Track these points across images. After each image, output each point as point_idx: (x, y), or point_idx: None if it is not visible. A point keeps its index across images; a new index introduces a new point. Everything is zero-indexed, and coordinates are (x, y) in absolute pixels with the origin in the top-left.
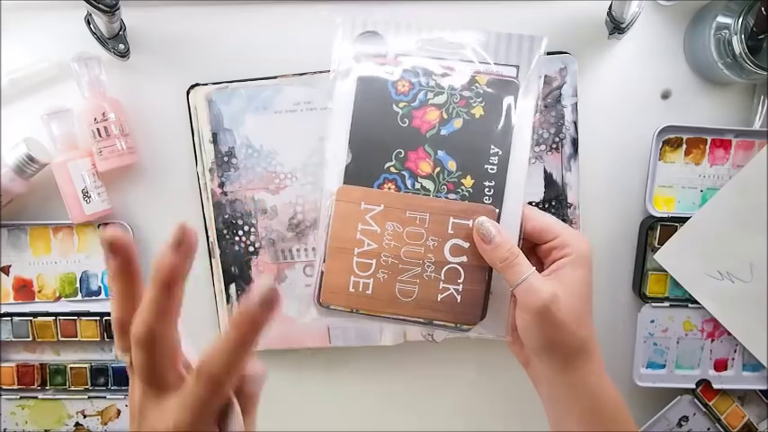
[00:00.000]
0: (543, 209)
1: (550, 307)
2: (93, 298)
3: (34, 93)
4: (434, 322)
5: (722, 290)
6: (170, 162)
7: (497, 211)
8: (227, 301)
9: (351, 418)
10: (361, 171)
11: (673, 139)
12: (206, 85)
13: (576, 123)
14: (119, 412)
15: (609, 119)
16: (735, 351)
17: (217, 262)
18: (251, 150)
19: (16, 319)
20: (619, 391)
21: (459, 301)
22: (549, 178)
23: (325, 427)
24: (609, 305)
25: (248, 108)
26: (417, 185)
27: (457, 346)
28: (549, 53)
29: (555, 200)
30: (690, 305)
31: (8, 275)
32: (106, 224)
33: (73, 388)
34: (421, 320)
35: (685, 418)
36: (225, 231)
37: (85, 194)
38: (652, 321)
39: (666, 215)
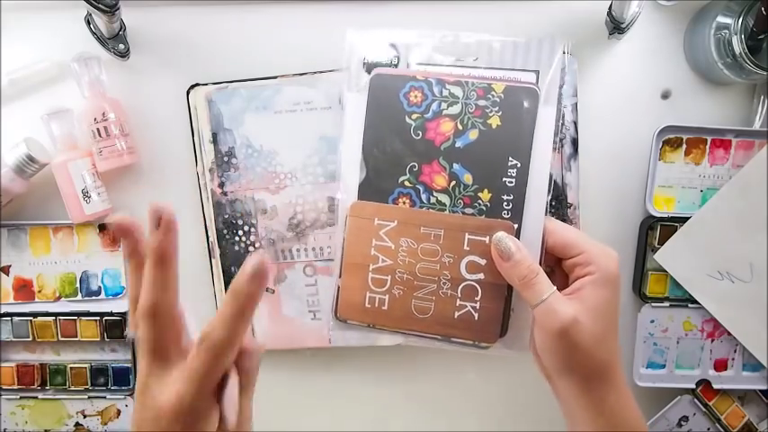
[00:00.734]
0: None
1: (569, 330)
2: (93, 298)
3: (34, 93)
4: (452, 339)
5: (722, 290)
6: (170, 162)
7: (516, 226)
8: None
9: (351, 418)
10: (376, 186)
11: (673, 139)
12: (206, 85)
13: (576, 123)
14: (119, 412)
15: (609, 119)
16: (735, 351)
17: (217, 262)
18: (251, 150)
19: (16, 319)
20: (643, 420)
21: (476, 318)
22: (548, 178)
23: (325, 427)
24: None
25: (248, 108)
26: (433, 200)
27: None
28: None
29: (555, 200)
30: (690, 305)
31: (8, 275)
32: (106, 224)
33: (73, 388)
34: (438, 337)
35: (685, 418)
36: (225, 231)
37: (85, 194)
38: (652, 321)
39: (666, 215)
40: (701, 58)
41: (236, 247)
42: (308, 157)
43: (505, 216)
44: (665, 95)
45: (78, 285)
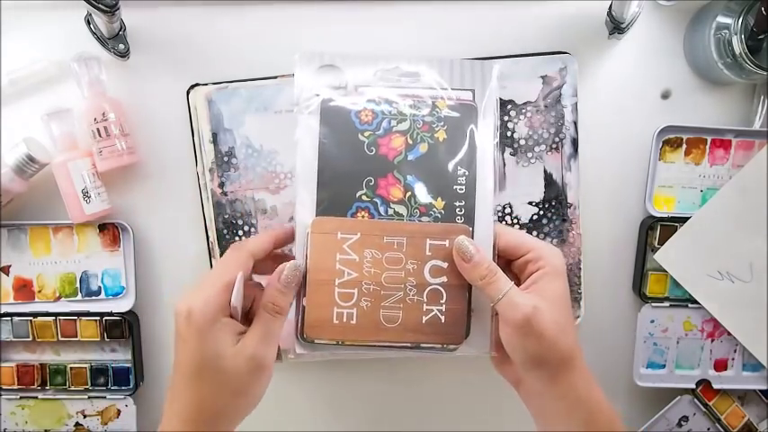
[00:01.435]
0: (543, 209)
1: (531, 319)
2: (93, 298)
3: (34, 93)
4: (421, 345)
5: (722, 290)
6: (170, 162)
7: (471, 229)
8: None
9: (351, 418)
10: (334, 202)
11: (673, 139)
12: (206, 85)
13: (576, 123)
14: (119, 412)
15: (609, 119)
16: (735, 351)
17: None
18: (251, 150)
19: (16, 319)
20: (609, 402)
21: (443, 321)
22: (549, 178)
23: (325, 427)
24: (609, 305)
25: (248, 108)
26: (390, 211)
27: None
28: (548, 53)
29: (555, 200)
30: (690, 305)
31: (8, 275)
32: (106, 224)
33: (73, 388)
34: (408, 345)
35: (685, 418)
36: (225, 231)
37: (85, 194)
38: (652, 321)
39: (666, 215)
40: (701, 58)
41: None
42: None
43: (459, 221)
44: (665, 95)
45: (78, 285)
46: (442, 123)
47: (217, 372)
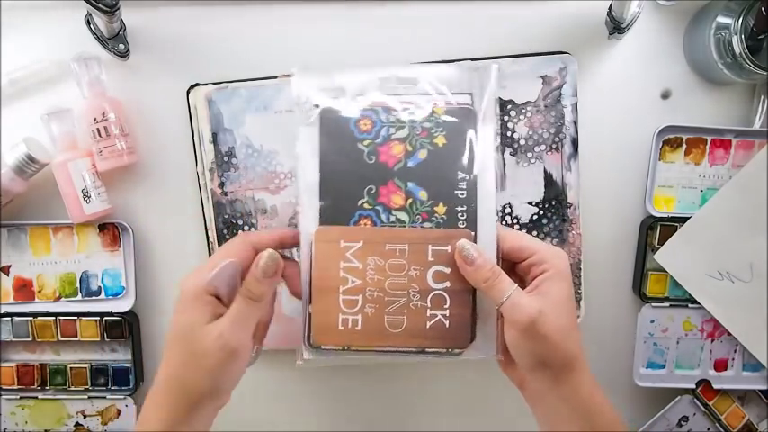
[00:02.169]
0: (543, 209)
1: (536, 322)
2: (93, 298)
3: (34, 93)
4: (426, 350)
5: (722, 290)
6: (170, 162)
7: (473, 233)
8: None
9: (351, 418)
10: (336, 211)
11: (673, 139)
12: (206, 85)
13: (575, 123)
14: (119, 412)
15: (609, 119)
16: (735, 351)
17: None
18: (251, 150)
19: (16, 319)
20: (611, 404)
21: (447, 326)
22: (549, 178)
23: (325, 427)
24: (609, 305)
25: (248, 108)
26: (392, 218)
27: None
28: (548, 53)
29: (555, 200)
30: (690, 305)
31: (8, 275)
32: (106, 224)
33: (73, 388)
34: (413, 350)
35: (685, 418)
36: (225, 231)
37: (85, 194)
38: (652, 321)
39: (666, 215)
40: (701, 58)
41: None
42: None
43: (461, 226)
44: (665, 95)
45: (78, 285)
46: (440, 129)
47: (187, 343)
